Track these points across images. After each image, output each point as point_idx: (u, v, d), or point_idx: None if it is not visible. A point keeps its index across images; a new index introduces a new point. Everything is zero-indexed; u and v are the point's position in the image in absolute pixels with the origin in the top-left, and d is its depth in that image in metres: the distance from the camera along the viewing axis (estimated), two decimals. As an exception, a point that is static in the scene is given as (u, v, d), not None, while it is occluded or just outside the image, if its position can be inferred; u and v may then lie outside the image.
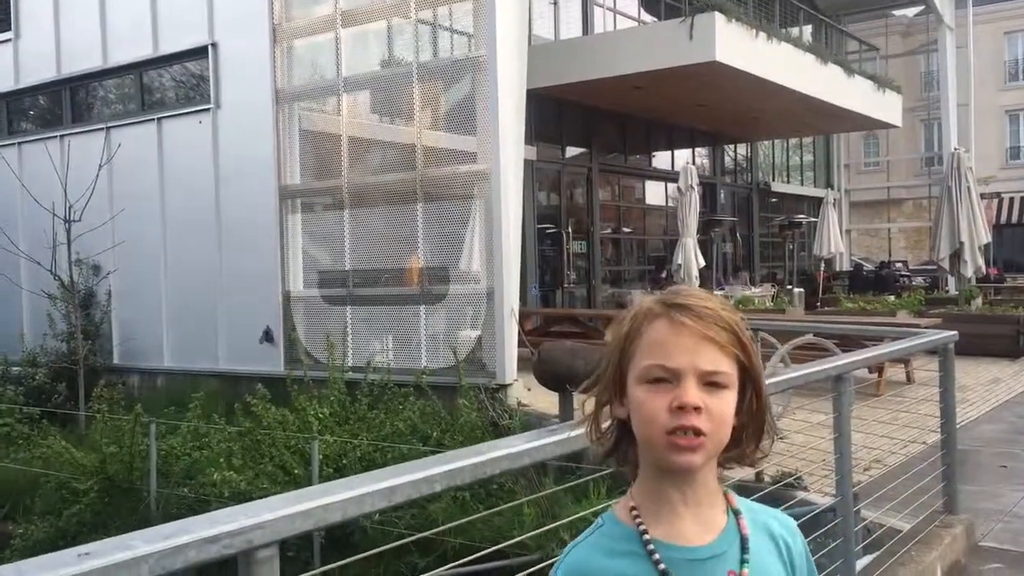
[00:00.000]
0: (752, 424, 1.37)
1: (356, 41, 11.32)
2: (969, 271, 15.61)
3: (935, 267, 18.91)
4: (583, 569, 1.33)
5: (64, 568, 1.46)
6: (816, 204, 22.06)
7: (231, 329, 11.96)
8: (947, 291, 19.22)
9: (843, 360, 4.19)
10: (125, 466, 8.74)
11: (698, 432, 1.26)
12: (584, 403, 1.46)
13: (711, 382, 1.28)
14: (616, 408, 1.37)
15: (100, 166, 12.48)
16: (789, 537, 1.41)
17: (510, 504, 5.78)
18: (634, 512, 1.35)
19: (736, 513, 1.37)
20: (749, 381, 1.34)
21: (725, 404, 1.30)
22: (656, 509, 1.34)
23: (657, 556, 1.30)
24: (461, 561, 3.47)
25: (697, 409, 1.26)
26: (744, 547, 1.34)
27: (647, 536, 1.32)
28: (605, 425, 1.41)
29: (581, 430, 1.46)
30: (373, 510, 2.00)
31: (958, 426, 8.64)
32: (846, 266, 25.37)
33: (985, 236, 15.77)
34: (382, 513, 7.26)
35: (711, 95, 15.40)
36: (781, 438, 7.61)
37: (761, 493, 5.68)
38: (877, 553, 4.76)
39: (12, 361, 13.15)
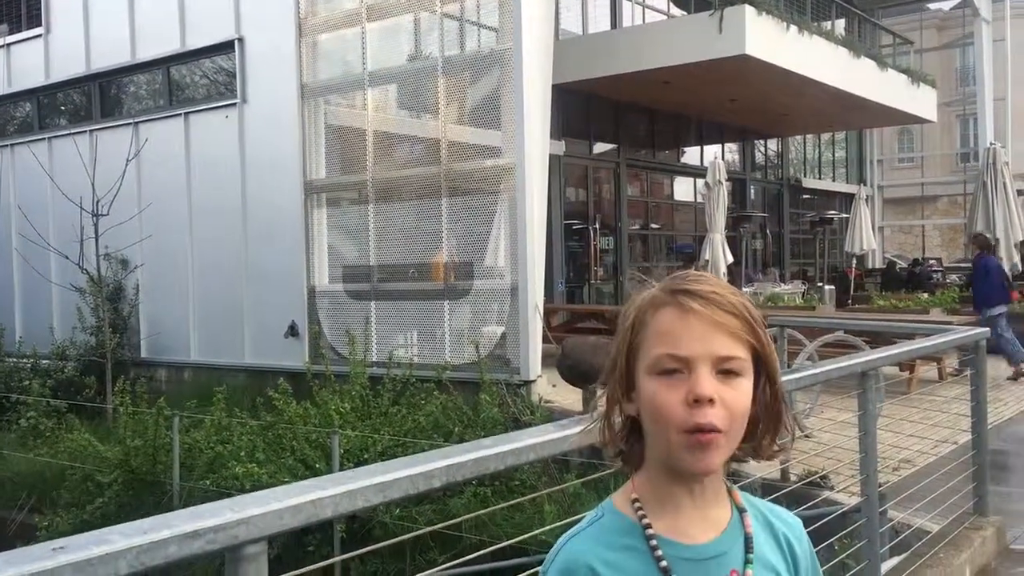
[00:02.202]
0: (767, 415, 1.29)
1: (381, 35, 11.29)
2: (1005, 268, 15.31)
3: (970, 264, 18.59)
4: (580, 561, 1.26)
5: (37, 562, 1.40)
6: (848, 200, 21.80)
7: (257, 324, 11.99)
8: (982, 289, 18.84)
9: (868, 356, 4.07)
10: (149, 459, 8.78)
11: (715, 429, 1.19)
12: (596, 402, 1.38)
13: (726, 370, 1.21)
14: (625, 404, 1.30)
15: (128, 161, 12.56)
16: (793, 537, 1.34)
17: (520, 499, 5.71)
18: (636, 504, 1.28)
19: (741, 510, 1.31)
20: (763, 368, 1.27)
21: (741, 394, 1.22)
22: (660, 503, 1.27)
23: (660, 552, 1.23)
24: (475, 555, 3.41)
25: (712, 401, 1.19)
26: (748, 546, 1.27)
27: (650, 531, 1.25)
28: (618, 424, 1.33)
29: (579, 428, 1.38)
30: (368, 505, 1.93)
31: (991, 426, 8.46)
32: (879, 263, 25.03)
33: (1021, 232, 15.45)
34: (402, 508, 7.23)
35: (741, 90, 15.21)
36: (807, 436, 7.50)
37: (785, 491, 5.58)
38: (904, 555, 4.64)
39: (42, 354, 13.27)
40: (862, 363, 3.89)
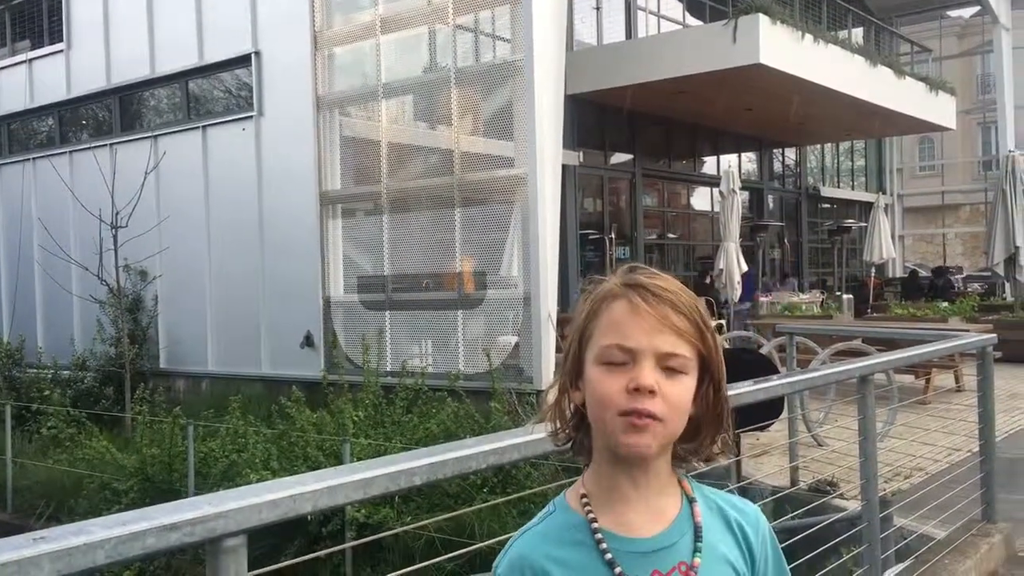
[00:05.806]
0: (708, 415, 1.31)
1: (395, 47, 11.39)
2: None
3: (991, 273, 18.46)
4: (528, 558, 1.29)
5: (17, 551, 1.46)
6: (867, 209, 21.67)
7: (273, 334, 12.09)
8: (1003, 297, 18.74)
9: (867, 361, 4.08)
10: (165, 467, 8.86)
11: (653, 416, 1.22)
12: (546, 393, 1.41)
13: (669, 367, 1.24)
14: (573, 393, 1.33)
15: (146, 173, 12.71)
16: (748, 525, 1.35)
17: (517, 495, 5.72)
18: (584, 500, 1.31)
19: (691, 501, 1.32)
20: (707, 369, 1.29)
21: (682, 390, 1.25)
22: (607, 497, 1.30)
23: (604, 546, 1.26)
24: (472, 549, 3.41)
25: (652, 392, 1.22)
26: (697, 536, 1.29)
27: (596, 525, 1.28)
28: (568, 413, 1.35)
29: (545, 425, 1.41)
30: (347, 502, 1.98)
31: (1006, 434, 8.42)
32: (899, 272, 24.86)
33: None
34: (414, 516, 7.26)
35: (757, 99, 15.20)
36: (819, 444, 7.50)
37: (792, 497, 5.57)
38: (909, 561, 4.62)
39: (62, 365, 13.42)
40: (861, 367, 3.90)
